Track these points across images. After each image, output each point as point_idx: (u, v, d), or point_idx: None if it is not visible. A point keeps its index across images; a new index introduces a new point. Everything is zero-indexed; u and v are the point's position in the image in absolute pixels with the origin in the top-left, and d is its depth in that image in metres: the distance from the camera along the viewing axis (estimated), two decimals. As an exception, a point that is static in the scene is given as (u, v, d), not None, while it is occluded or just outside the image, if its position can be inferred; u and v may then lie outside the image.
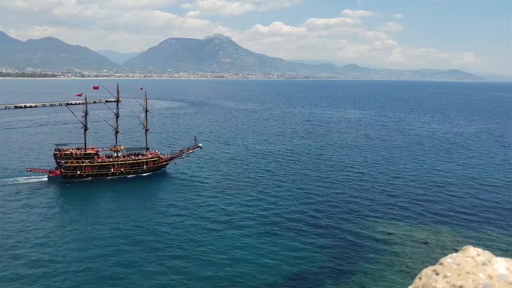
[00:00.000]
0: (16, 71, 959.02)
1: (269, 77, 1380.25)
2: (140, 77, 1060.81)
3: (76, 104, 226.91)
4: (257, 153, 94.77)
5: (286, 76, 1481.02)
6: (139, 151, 78.56)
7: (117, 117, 78.77)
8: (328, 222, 51.61)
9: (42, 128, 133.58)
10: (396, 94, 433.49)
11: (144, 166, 76.04)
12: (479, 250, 2.65)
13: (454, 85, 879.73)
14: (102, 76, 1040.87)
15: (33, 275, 37.64)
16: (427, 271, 2.64)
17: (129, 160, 75.43)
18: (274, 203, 59.25)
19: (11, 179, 68.51)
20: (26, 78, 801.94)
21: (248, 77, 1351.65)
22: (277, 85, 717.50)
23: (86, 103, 76.62)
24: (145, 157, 76.86)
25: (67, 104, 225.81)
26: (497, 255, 2.60)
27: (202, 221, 51.73)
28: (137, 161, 75.86)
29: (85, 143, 74.93)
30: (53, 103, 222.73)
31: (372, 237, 46.76)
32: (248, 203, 58.70)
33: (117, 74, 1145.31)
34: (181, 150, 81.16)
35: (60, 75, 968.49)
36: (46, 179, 69.88)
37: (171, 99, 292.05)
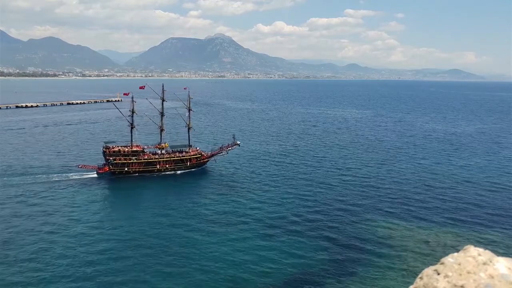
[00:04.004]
0: (17, 70, 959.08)
1: (270, 77, 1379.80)
2: (141, 76, 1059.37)
3: (77, 103, 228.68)
4: (257, 153, 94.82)
5: (287, 76, 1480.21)
6: (182, 148, 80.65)
7: (162, 115, 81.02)
8: (329, 222, 51.60)
9: (69, 127, 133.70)
10: (396, 94, 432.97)
11: (188, 163, 78.28)
12: (480, 249, 2.63)
13: (455, 85, 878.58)
14: (103, 76, 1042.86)
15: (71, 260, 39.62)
16: (428, 270, 2.63)
17: (174, 157, 77.66)
18: (277, 201, 59.45)
19: (64, 174, 72.01)
20: (27, 77, 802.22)
21: (249, 77, 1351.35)
22: (278, 85, 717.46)
23: (133, 102, 77.84)
24: (189, 154, 79.03)
25: (68, 103, 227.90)
26: (498, 255, 2.59)
27: (210, 220, 52.07)
28: (181, 158, 78.07)
29: (131, 141, 77.05)
30: (54, 103, 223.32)
31: (373, 237, 46.75)
32: (251, 203, 58.90)
33: (118, 74, 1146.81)
34: (220, 148, 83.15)
35: (61, 74, 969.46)
36: (95, 175, 72.53)
37: (172, 98, 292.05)
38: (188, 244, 44.36)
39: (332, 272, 38.68)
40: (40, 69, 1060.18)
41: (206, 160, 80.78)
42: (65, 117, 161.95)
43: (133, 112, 77.36)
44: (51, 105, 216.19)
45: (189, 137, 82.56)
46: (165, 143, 79.58)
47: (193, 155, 78.95)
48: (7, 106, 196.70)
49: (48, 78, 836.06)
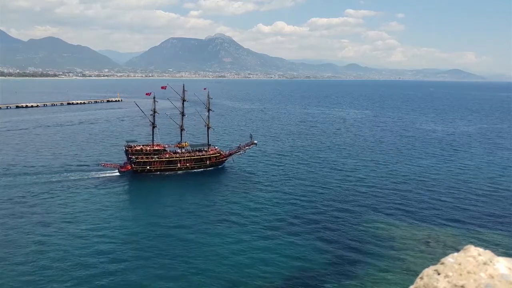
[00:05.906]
0: (18, 70, 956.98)
1: (271, 77, 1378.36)
2: (142, 76, 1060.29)
3: (77, 103, 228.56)
4: (258, 154, 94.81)
5: (288, 76, 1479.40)
6: (201, 147, 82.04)
7: (183, 115, 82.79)
8: (329, 223, 51.58)
9: (84, 126, 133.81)
10: (396, 94, 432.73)
11: (207, 162, 79.60)
12: (481, 249, 2.63)
13: (455, 85, 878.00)
14: (103, 76, 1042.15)
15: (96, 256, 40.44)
16: (429, 270, 2.63)
17: (194, 156, 78.96)
18: (277, 202, 59.53)
19: (87, 173, 72.93)
20: (27, 77, 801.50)
21: (249, 77, 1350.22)
22: (279, 85, 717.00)
23: (154, 101, 78.83)
24: (208, 153, 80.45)
25: (69, 103, 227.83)
26: (498, 255, 2.59)
27: (213, 221, 52.11)
28: (201, 157, 79.49)
29: (153, 140, 78.44)
30: (54, 103, 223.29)
31: (373, 237, 46.77)
32: (252, 204, 59.05)
33: (119, 74, 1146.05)
34: (238, 147, 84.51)
35: (62, 74, 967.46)
36: (117, 173, 73.38)
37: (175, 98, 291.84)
38: (188, 247, 44.30)
39: (332, 273, 38.69)
40: (40, 69, 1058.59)
41: (225, 159, 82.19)
42: (65, 117, 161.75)
43: (154, 111, 78.78)
44: (51, 105, 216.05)
45: (208, 136, 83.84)
46: (185, 142, 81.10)
47: (212, 154, 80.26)
48: (7, 106, 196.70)
49: (48, 78, 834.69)
